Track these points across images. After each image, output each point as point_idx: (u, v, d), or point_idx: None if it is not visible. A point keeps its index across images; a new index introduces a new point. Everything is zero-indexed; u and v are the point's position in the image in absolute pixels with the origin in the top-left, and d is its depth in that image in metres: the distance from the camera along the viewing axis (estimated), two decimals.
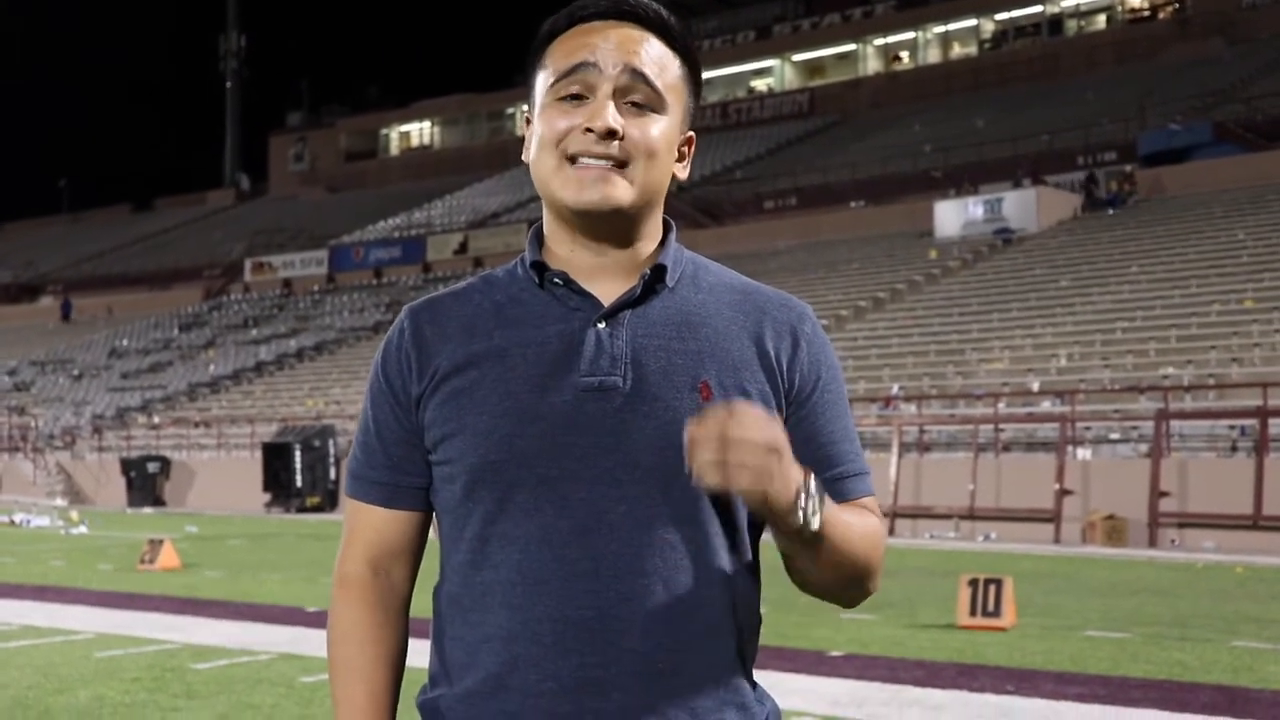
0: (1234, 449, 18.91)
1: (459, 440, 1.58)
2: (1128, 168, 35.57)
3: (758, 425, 1.41)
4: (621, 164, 1.58)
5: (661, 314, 1.62)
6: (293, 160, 71.63)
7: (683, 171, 1.68)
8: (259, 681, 7.72)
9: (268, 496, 28.43)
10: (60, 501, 31.61)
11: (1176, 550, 17.11)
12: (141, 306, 52.99)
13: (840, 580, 1.61)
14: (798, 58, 60.63)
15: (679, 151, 1.66)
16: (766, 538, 1.65)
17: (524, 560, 1.55)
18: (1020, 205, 33.81)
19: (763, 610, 1.67)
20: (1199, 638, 9.21)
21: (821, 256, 36.09)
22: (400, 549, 1.69)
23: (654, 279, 1.62)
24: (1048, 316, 26.13)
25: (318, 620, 10.34)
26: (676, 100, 1.63)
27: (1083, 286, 27.32)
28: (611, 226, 1.61)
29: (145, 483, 31.18)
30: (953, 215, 34.94)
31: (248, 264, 52.76)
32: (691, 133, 1.70)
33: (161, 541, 15.49)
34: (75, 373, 44.32)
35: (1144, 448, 19.22)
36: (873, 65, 58.17)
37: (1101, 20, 53.60)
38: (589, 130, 1.57)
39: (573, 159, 1.59)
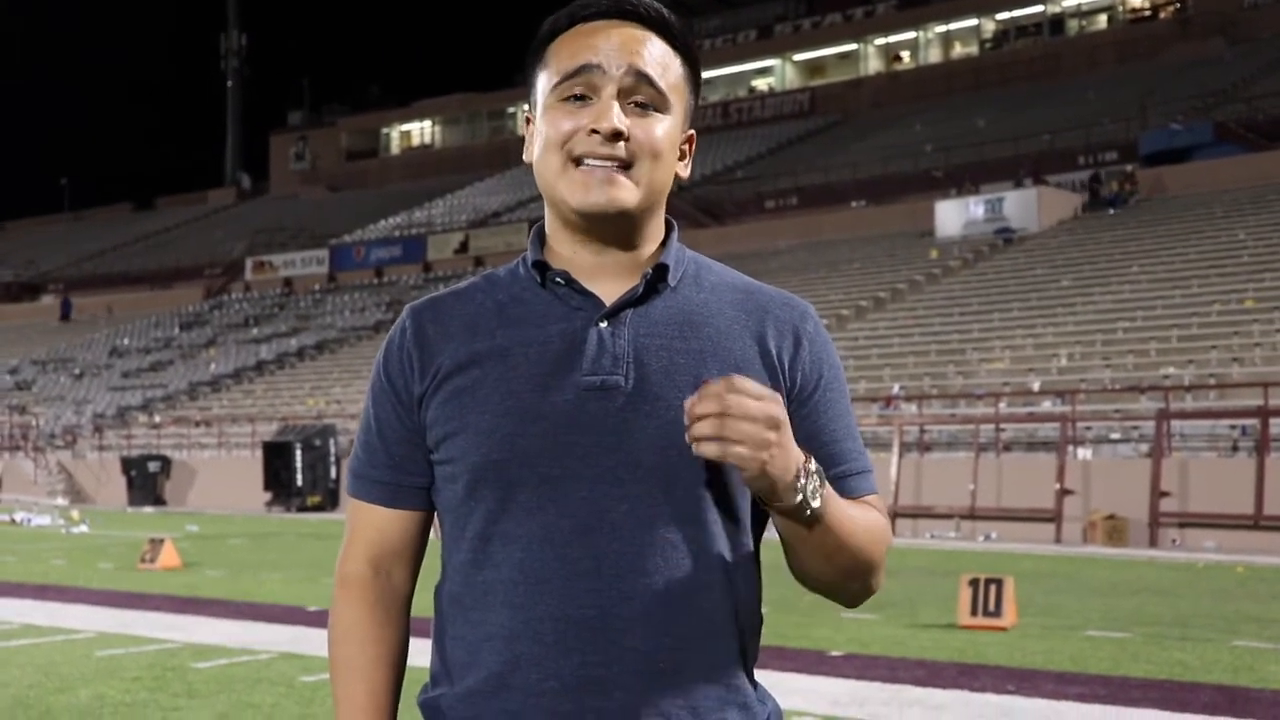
0: (1235, 449, 18.91)
1: (461, 439, 1.58)
2: (1129, 167, 35.57)
3: (758, 398, 1.42)
4: (626, 165, 1.58)
5: (663, 313, 1.62)
6: (294, 159, 71.65)
7: (684, 170, 1.68)
8: (259, 681, 7.72)
9: (268, 496, 28.43)
10: (61, 500, 31.63)
11: (1177, 550, 17.11)
12: (142, 305, 53.01)
13: (842, 573, 1.60)
14: (799, 57, 60.63)
15: (680, 150, 1.67)
16: (768, 536, 1.65)
17: (526, 559, 1.55)
18: (1021, 205, 33.81)
19: (763, 610, 1.67)
20: (1200, 637, 9.21)
21: (822, 256, 36.09)
22: (402, 548, 1.69)
23: (656, 278, 1.62)
24: (1049, 316, 26.13)
25: (318, 620, 10.35)
26: (679, 100, 1.64)
27: (1084, 286, 27.32)
28: (616, 228, 1.62)
29: (146, 482, 31.18)
30: (954, 215, 34.94)
31: (249, 263, 52.77)
32: (692, 131, 1.70)
33: (162, 541, 15.49)
34: (76, 372, 44.34)
35: (1145, 447, 19.21)
36: (874, 65, 58.16)
37: (1103, 20, 53.59)
38: (594, 132, 1.57)
39: (578, 161, 1.58)
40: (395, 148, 70.78)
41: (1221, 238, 28.55)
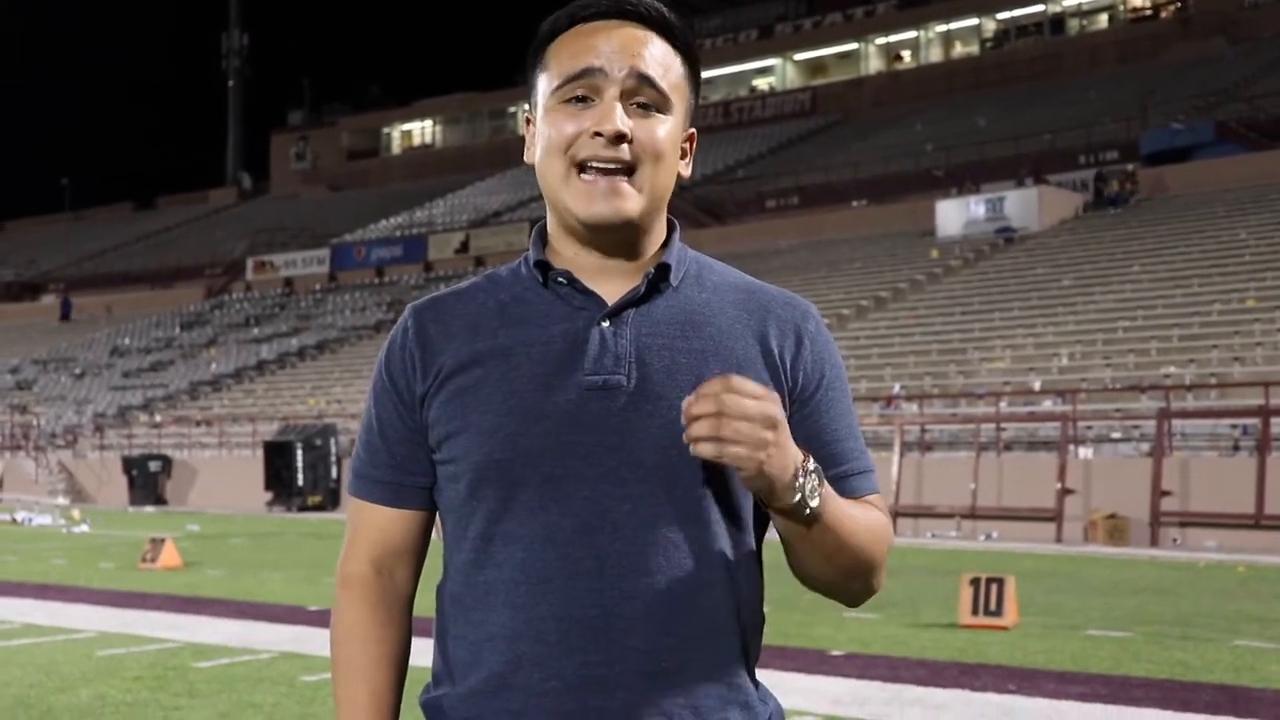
0: (1236, 448, 18.91)
1: (463, 439, 1.58)
2: (1130, 167, 35.56)
3: (755, 398, 1.41)
4: (630, 169, 1.58)
5: (665, 313, 1.61)
6: (294, 159, 71.65)
7: (686, 169, 1.68)
8: (260, 680, 7.72)
9: (269, 495, 28.44)
10: (62, 500, 31.63)
11: (1178, 549, 17.11)
12: (143, 305, 53.02)
13: (841, 572, 1.60)
14: (800, 57, 60.62)
15: (682, 149, 1.66)
16: (770, 536, 1.64)
17: (528, 559, 1.55)
18: (1022, 204, 33.81)
19: (765, 609, 1.67)
20: (1201, 637, 9.21)
21: (823, 255, 36.09)
22: (404, 548, 1.68)
23: (658, 278, 1.62)
24: (1049, 315, 26.12)
25: (319, 619, 10.35)
26: (680, 99, 1.63)
27: (1084, 285, 27.31)
28: (620, 236, 1.62)
29: (147, 481, 31.19)
30: (955, 214, 34.94)
31: (249, 263, 52.77)
32: (693, 130, 1.70)
33: (163, 540, 15.50)
34: (77, 371, 44.35)
35: (1146, 447, 19.21)
36: (874, 64, 58.15)
37: (1103, 19, 53.57)
38: (597, 134, 1.57)
39: (582, 166, 1.58)
40: (396, 147, 70.79)
41: (1223, 237, 28.54)
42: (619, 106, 1.58)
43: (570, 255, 1.64)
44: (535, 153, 1.65)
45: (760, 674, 1.68)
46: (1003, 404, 21.52)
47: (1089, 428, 20.41)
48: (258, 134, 78.42)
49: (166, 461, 31.80)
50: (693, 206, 43.21)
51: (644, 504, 1.54)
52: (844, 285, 32.61)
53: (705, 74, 1.67)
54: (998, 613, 9.62)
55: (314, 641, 9.14)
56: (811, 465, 1.49)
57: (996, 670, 7.92)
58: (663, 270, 1.63)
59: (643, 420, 1.55)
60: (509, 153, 60.03)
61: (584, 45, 1.60)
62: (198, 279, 55.33)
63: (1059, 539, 18.37)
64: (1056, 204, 34.17)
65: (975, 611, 9.68)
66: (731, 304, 1.65)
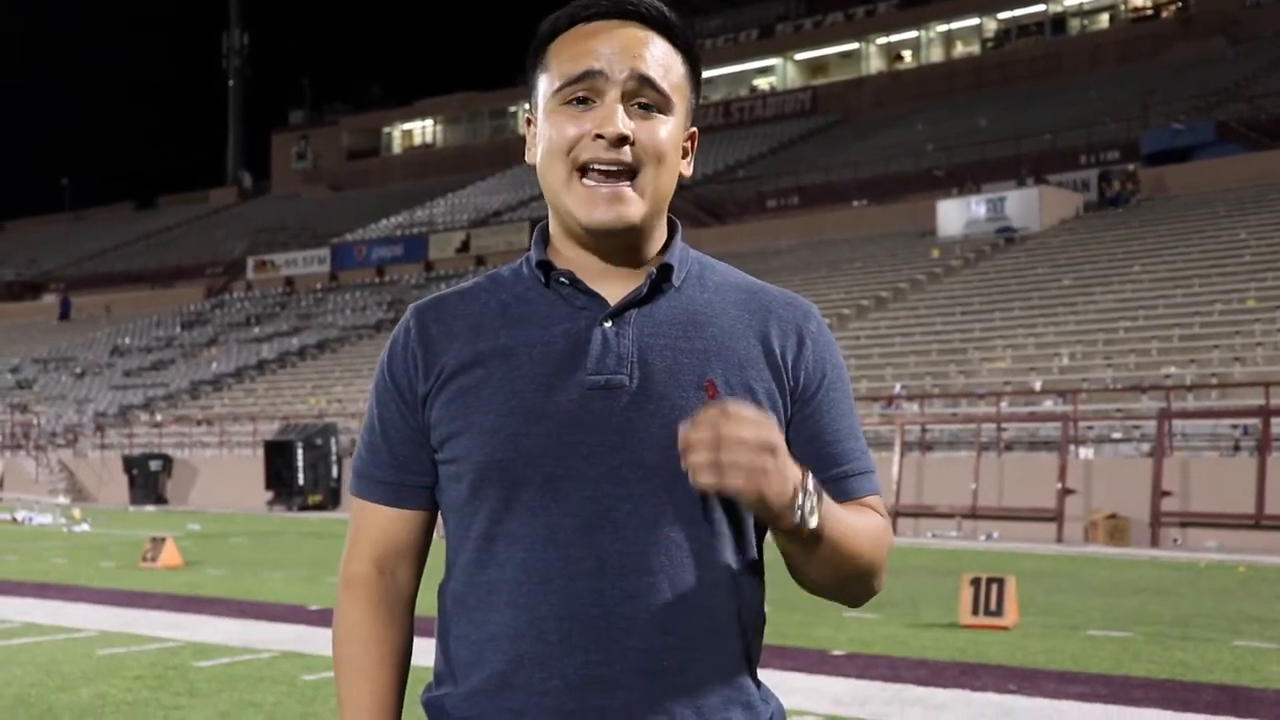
0: (1236, 448, 18.90)
1: (465, 439, 1.58)
2: (1130, 166, 35.55)
3: (752, 424, 1.40)
4: (632, 171, 1.58)
5: (668, 313, 1.61)
6: (295, 158, 71.64)
7: (687, 169, 1.68)
8: (261, 680, 7.72)
9: (270, 495, 28.44)
10: (62, 499, 31.65)
11: (1179, 550, 17.10)
12: (143, 304, 53.01)
13: (842, 579, 1.60)
14: (800, 56, 60.60)
15: (683, 149, 1.66)
16: (771, 536, 1.65)
17: (529, 559, 1.55)
18: (1023, 204, 33.80)
19: (765, 609, 1.67)
20: (1201, 637, 9.21)
21: (824, 255, 36.08)
22: (405, 548, 1.69)
23: (660, 278, 1.62)
24: (1050, 315, 26.11)
25: (320, 618, 10.36)
26: (681, 100, 1.63)
27: (1085, 285, 27.31)
28: (623, 240, 1.62)
29: (147, 480, 31.18)
30: (955, 214, 34.93)
31: (250, 262, 52.76)
32: (694, 129, 1.70)
33: (164, 539, 15.50)
34: (78, 370, 44.35)
35: (1146, 447, 19.20)
36: (875, 64, 58.13)
37: (1104, 19, 53.56)
38: (599, 137, 1.56)
39: (584, 169, 1.58)
40: (397, 147, 70.78)
41: (1223, 237, 28.53)
42: (620, 108, 1.57)
43: (572, 256, 1.64)
44: (536, 154, 1.65)
45: (761, 674, 1.68)
46: (1003, 404, 21.51)
47: (1090, 428, 20.41)
48: (258, 133, 78.50)
49: (167, 461, 31.80)
50: (693, 206, 43.20)
51: (645, 504, 1.54)
52: (844, 285, 32.61)
53: (706, 74, 1.68)
54: (998, 613, 9.62)
55: (315, 641, 9.14)
56: (811, 484, 1.48)
57: (997, 670, 7.92)
58: (665, 271, 1.63)
59: (644, 420, 1.55)
60: (509, 152, 60.02)
61: (584, 46, 1.59)
62: (198, 278, 55.34)
63: (1059, 539, 18.36)
64: (1057, 204, 34.16)
65: (976, 611, 9.68)
66: (733, 304, 1.65)
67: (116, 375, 42.79)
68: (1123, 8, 52.90)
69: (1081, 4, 53.74)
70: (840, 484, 1.64)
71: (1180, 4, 50.78)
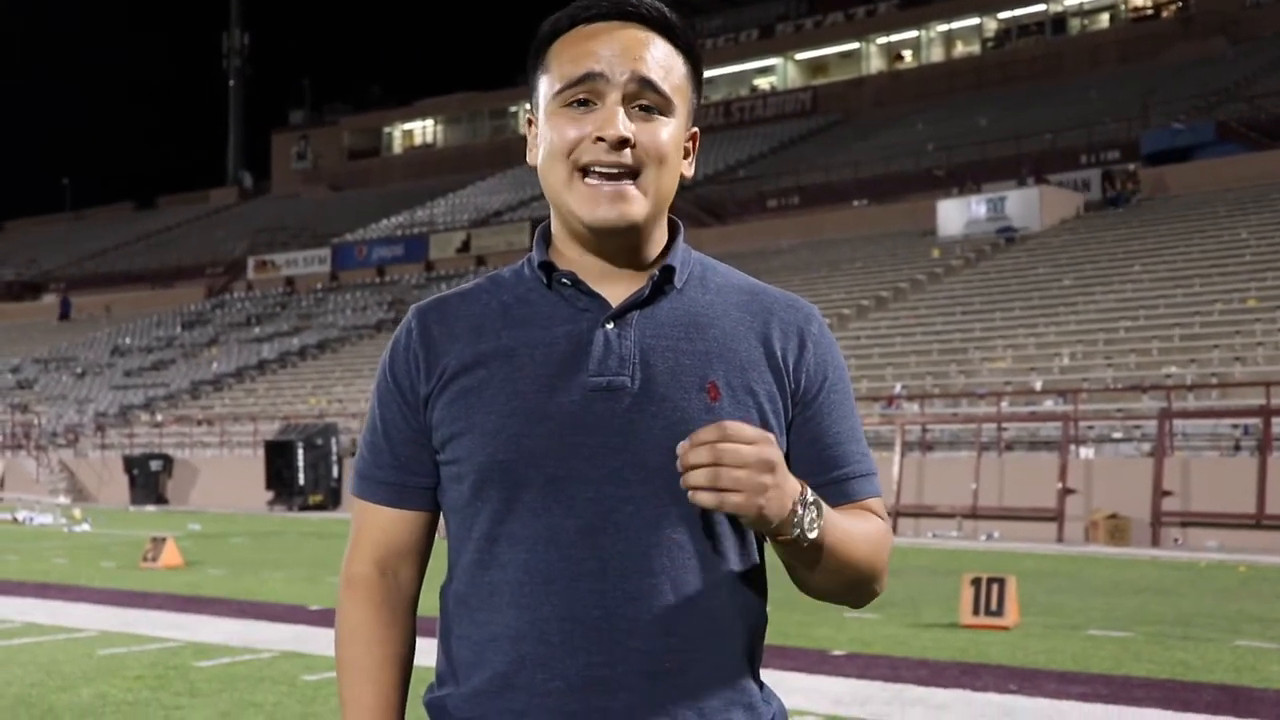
0: (1237, 448, 18.89)
1: (467, 440, 1.58)
2: (1131, 166, 35.55)
3: (749, 444, 1.41)
4: (634, 173, 1.58)
5: (669, 315, 1.61)
6: (295, 158, 71.65)
7: (689, 169, 1.68)
8: (261, 680, 7.72)
9: (270, 495, 28.44)
10: (63, 499, 31.65)
11: (1179, 549, 17.10)
12: (144, 304, 53.02)
13: (843, 585, 1.61)
14: (800, 56, 60.60)
15: (684, 149, 1.66)
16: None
17: (531, 560, 1.55)
18: (1023, 204, 33.79)
19: (767, 610, 1.67)
20: (1202, 637, 9.21)
21: (824, 255, 36.08)
22: (407, 549, 1.69)
23: (662, 280, 1.62)
24: (1050, 315, 26.11)
25: (320, 618, 10.36)
26: (682, 100, 1.63)
27: (1085, 285, 27.30)
28: (625, 239, 1.61)
29: (148, 480, 31.18)
30: (955, 214, 34.92)
31: (250, 262, 52.77)
32: (696, 129, 1.69)
33: (164, 539, 15.50)
34: (78, 370, 44.36)
35: (1147, 447, 19.20)
36: (875, 64, 58.14)
37: (1104, 19, 53.56)
38: (600, 139, 1.56)
39: (585, 170, 1.58)
40: (397, 147, 70.79)
41: (1224, 237, 28.53)
42: (621, 111, 1.57)
43: (574, 257, 1.64)
44: (538, 155, 1.65)
45: (761, 674, 1.68)
46: (1004, 404, 21.51)
47: (1090, 427, 20.40)
48: (259, 133, 78.53)
49: (168, 461, 31.80)
50: (694, 206, 43.20)
51: (647, 505, 1.54)
52: (845, 285, 32.60)
53: (706, 74, 1.68)
54: (999, 613, 9.62)
55: (315, 641, 9.14)
56: (810, 497, 1.49)
57: (997, 670, 7.92)
58: (667, 272, 1.63)
59: (646, 421, 1.55)
60: (510, 152, 60.01)
61: (585, 48, 1.59)
62: (199, 278, 55.34)
63: (1060, 539, 18.36)
64: (1057, 204, 34.16)
65: (976, 611, 9.68)
66: (735, 305, 1.65)
67: (117, 375, 42.80)
68: (1123, 7, 52.90)
69: (1082, 4, 53.74)
70: (841, 486, 1.65)
71: (1180, 4, 50.78)
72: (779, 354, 1.63)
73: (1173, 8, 51.24)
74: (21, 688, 7.57)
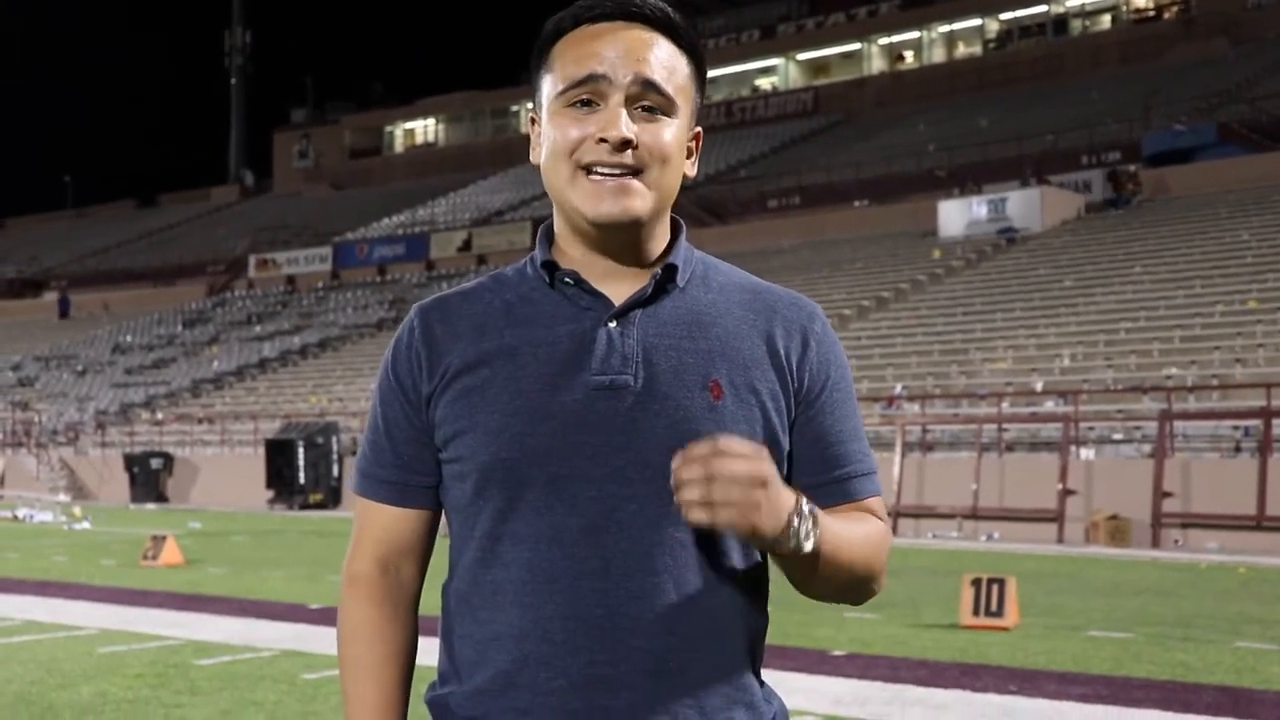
0: (1237, 450, 18.89)
1: (470, 438, 1.59)
2: (1133, 168, 35.54)
3: (743, 459, 1.40)
4: (637, 173, 1.58)
5: (672, 313, 1.61)
6: (297, 157, 71.66)
7: (691, 169, 1.68)
8: (262, 678, 7.73)
9: (271, 493, 28.45)
10: (63, 497, 31.65)
11: (1180, 551, 17.10)
12: (145, 303, 53.03)
13: (840, 589, 1.61)
14: (802, 57, 60.60)
15: (687, 149, 1.66)
16: None
17: (534, 559, 1.56)
18: (1024, 205, 33.79)
19: (768, 609, 1.68)
20: (1202, 638, 9.20)
21: (825, 255, 36.08)
22: (409, 547, 1.69)
23: (665, 279, 1.62)
24: (1051, 316, 26.11)
25: (320, 617, 10.36)
26: (685, 101, 1.63)
27: (1086, 286, 27.30)
28: (628, 235, 1.61)
29: (148, 479, 31.19)
30: (957, 215, 34.92)
31: (252, 260, 52.77)
32: (699, 129, 1.69)
33: (164, 537, 15.50)
34: (79, 368, 44.36)
35: (1147, 448, 19.20)
36: (877, 64, 58.14)
37: (1106, 20, 53.55)
38: (603, 140, 1.56)
39: (588, 169, 1.58)
40: (399, 146, 70.79)
41: (1225, 238, 28.53)
42: (624, 112, 1.57)
43: (577, 256, 1.64)
44: (541, 154, 1.65)
45: (762, 674, 1.68)
46: (1004, 404, 21.50)
47: (1091, 429, 20.40)
48: (260, 132, 78.55)
49: (168, 459, 31.81)
50: (695, 206, 43.19)
51: (650, 504, 1.54)
52: (846, 285, 32.60)
53: (708, 74, 1.68)
54: (999, 613, 9.62)
55: (315, 639, 9.15)
56: (806, 508, 1.48)
57: (997, 671, 7.92)
58: (670, 271, 1.63)
59: (649, 420, 1.55)
60: (511, 151, 60.03)
61: (588, 49, 1.59)
62: (200, 276, 55.35)
63: (1060, 540, 18.36)
64: (1058, 205, 34.15)
65: (976, 612, 9.68)
66: (738, 304, 1.65)
67: (118, 373, 42.80)
68: (1124, 9, 52.90)
69: (1083, 5, 53.73)
70: (843, 485, 1.65)
71: (1182, 5, 50.77)
72: (782, 352, 1.63)
73: (1174, 9, 51.24)
74: (21, 685, 7.57)
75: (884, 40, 58.40)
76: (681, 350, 1.59)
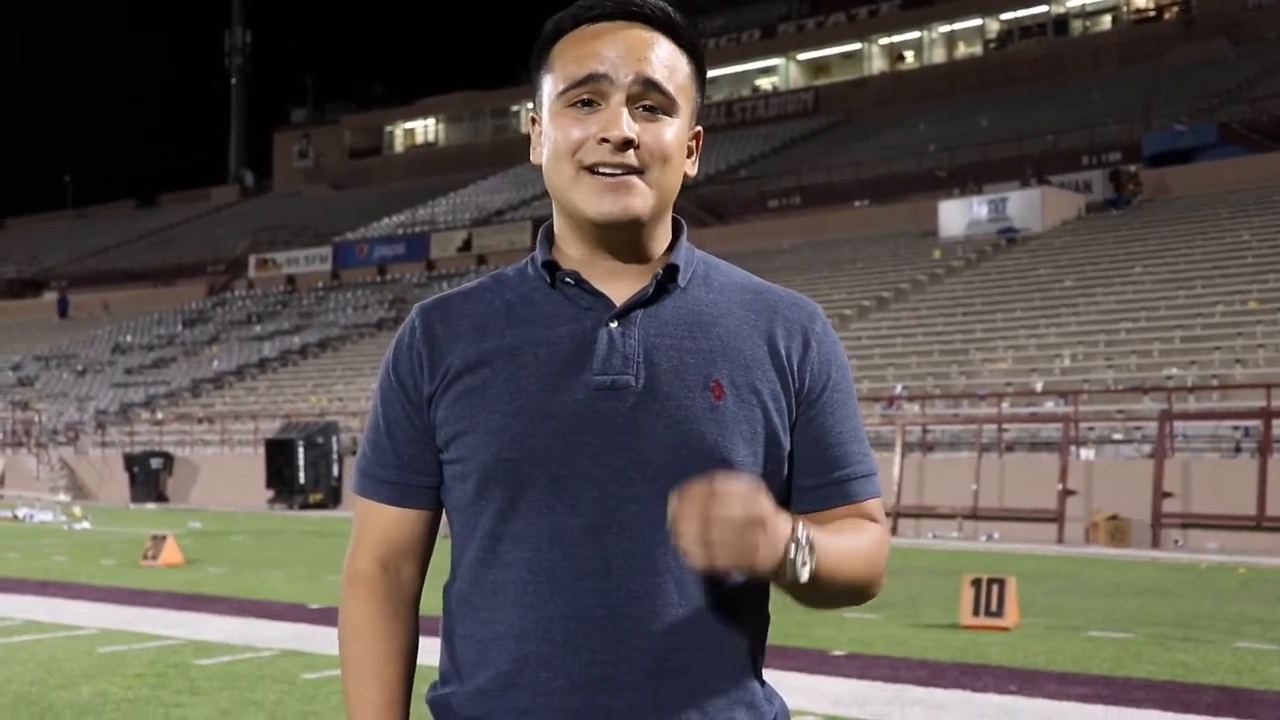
0: (1237, 450, 18.89)
1: (471, 439, 1.58)
2: (1133, 168, 35.54)
3: (739, 501, 1.39)
4: (638, 172, 1.58)
5: (673, 313, 1.61)
6: (297, 157, 71.66)
7: (692, 168, 1.68)
8: (262, 678, 7.73)
9: (271, 493, 28.45)
10: (63, 497, 31.64)
11: (1180, 551, 17.10)
12: (145, 302, 53.05)
13: (836, 599, 1.62)
14: (803, 57, 60.60)
15: (688, 148, 1.66)
16: None
17: (535, 559, 1.55)
18: (1024, 205, 33.79)
19: (769, 610, 1.68)
20: (1202, 639, 9.20)
21: (826, 256, 36.08)
22: (410, 547, 1.69)
23: (666, 279, 1.62)
24: (1051, 316, 26.11)
25: (320, 617, 10.36)
26: (686, 100, 1.63)
27: (1087, 287, 27.30)
28: (629, 234, 1.61)
29: (148, 478, 31.20)
30: (957, 215, 34.91)
31: (252, 260, 52.78)
32: (699, 128, 1.69)
33: (164, 537, 15.50)
34: (79, 368, 44.37)
35: (1147, 448, 19.20)
36: (878, 64, 58.14)
37: (1107, 20, 53.55)
38: (604, 140, 1.56)
39: (591, 169, 1.58)
40: (399, 145, 70.79)
41: (1225, 239, 28.53)
42: (625, 112, 1.57)
43: (578, 256, 1.64)
44: (542, 154, 1.65)
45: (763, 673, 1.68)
46: (1004, 405, 21.50)
47: (1091, 429, 20.40)
48: (260, 132, 78.56)
49: (168, 458, 31.81)
50: (695, 206, 43.19)
51: (651, 504, 1.54)
52: (846, 285, 32.60)
53: (708, 73, 1.67)
54: (999, 613, 9.62)
55: (315, 639, 9.14)
56: (802, 536, 1.47)
57: (998, 671, 7.92)
58: (671, 271, 1.63)
59: (650, 421, 1.55)
60: (512, 151, 60.03)
61: (589, 49, 1.59)
62: (200, 276, 55.36)
63: (1060, 540, 18.36)
64: (1059, 205, 34.15)
65: (976, 612, 9.68)
66: (739, 304, 1.65)
67: (118, 373, 42.81)
68: (1125, 9, 52.90)
69: (1084, 5, 53.73)
70: (842, 487, 1.65)
71: (1182, 6, 50.77)
72: (783, 353, 1.63)
73: (1175, 9, 51.24)
74: (21, 685, 7.57)
75: (884, 40, 58.41)
76: (683, 350, 1.59)
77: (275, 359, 40.75)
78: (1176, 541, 17.56)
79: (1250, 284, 24.80)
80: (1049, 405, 21.38)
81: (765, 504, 1.41)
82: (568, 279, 1.62)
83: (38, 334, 51.66)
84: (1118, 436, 20.21)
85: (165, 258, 59.45)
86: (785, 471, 1.64)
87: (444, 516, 1.70)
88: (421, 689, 1.66)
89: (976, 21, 55.70)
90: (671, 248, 1.67)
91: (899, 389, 23.73)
